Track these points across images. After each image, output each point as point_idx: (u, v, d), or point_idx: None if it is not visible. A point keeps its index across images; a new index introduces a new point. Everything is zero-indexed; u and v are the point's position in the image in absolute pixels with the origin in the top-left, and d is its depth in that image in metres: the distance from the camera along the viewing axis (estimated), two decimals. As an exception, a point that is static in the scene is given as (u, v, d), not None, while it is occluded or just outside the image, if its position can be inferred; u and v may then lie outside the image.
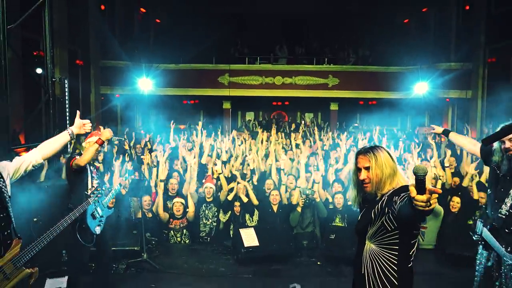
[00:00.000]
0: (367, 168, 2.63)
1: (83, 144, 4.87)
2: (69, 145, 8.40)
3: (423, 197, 1.99)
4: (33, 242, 3.13)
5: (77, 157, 4.64)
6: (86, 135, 4.73)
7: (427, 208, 2.02)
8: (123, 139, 7.25)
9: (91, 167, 4.86)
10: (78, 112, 3.80)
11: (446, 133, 4.52)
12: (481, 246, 4.01)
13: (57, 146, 3.48)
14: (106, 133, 4.62)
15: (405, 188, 2.49)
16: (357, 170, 2.71)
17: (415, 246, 2.58)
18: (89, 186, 4.72)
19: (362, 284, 2.66)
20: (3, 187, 2.99)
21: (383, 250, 2.56)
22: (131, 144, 10.55)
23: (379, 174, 2.59)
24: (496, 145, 3.78)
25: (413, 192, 2.02)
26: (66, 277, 5.50)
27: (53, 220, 5.37)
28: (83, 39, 14.87)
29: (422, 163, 7.79)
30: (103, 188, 5.03)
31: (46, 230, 3.35)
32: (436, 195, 2.01)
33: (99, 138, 4.56)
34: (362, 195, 2.79)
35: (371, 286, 2.60)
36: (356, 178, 2.72)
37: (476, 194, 6.67)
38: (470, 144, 4.23)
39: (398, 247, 2.52)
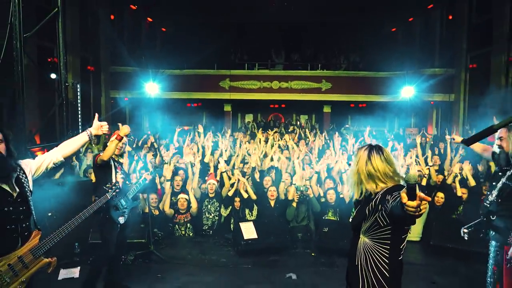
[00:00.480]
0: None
1: (108, 143, 4.89)
2: (81, 145, 8.40)
3: (414, 203, 1.98)
4: (51, 234, 3.11)
5: (101, 153, 4.69)
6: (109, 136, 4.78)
7: (417, 213, 2.01)
8: (131, 139, 7.24)
9: (116, 163, 4.88)
10: (96, 115, 3.79)
11: (465, 141, 4.56)
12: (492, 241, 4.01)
13: (76, 146, 3.48)
14: (124, 129, 4.60)
15: (397, 188, 2.47)
16: None
17: (405, 241, 2.57)
18: (113, 181, 4.74)
19: (355, 275, 2.65)
20: (25, 182, 3.01)
21: (376, 244, 2.55)
22: (140, 144, 10.53)
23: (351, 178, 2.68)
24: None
25: (404, 198, 2.01)
26: (79, 268, 5.51)
27: (67, 214, 5.37)
28: (94, 47, 14.87)
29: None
30: (127, 182, 5.06)
31: (62, 223, 3.34)
32: (426, 202, 2.00)
33: (118, 134, 4.58)
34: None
35: (364, 277, 2.59)
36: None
37: (459, 191, 6.69)
38: (483, 149, 4.29)
39: (390, 242, 2.51)
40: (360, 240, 2.65)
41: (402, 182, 2.58)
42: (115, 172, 4.82)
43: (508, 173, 3.78)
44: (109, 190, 4.32)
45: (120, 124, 4.74)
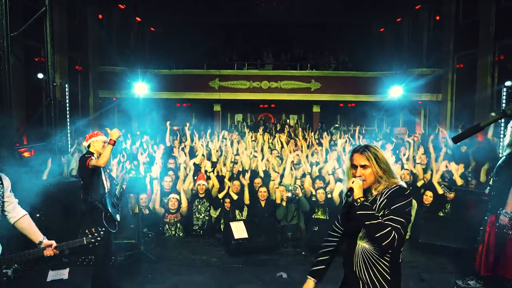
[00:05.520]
0: (364, 166, 2.57)
1: (84, 143, 4.83)
2: (69, 146, 8.33)
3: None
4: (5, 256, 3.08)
5: (93, 157, 4.61)
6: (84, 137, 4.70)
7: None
8: (120, 139, 7.19)
9: None
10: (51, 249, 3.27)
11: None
12: None
13: (26, 234, 3.27)
14: (115, 133, 4.59)
15: (402, 191, 2.52)
16: (352, 167, 2.65)
17: (404, 242, 2.55)
18: (104, 181, 4.74)
19: (355, 282, 2.60)
20: None
21: (376, 249, 2.51)
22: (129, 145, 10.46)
23: (379, 171, 2.56)
24: None
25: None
26: (67, 269, 5.46)
27: (55, 215, 5.32)
28: (82, 46, 14.74)
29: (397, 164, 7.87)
30: (114, 182, 5.06)
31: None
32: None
33: (111, 139, 4.55)
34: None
35: (365, 283, 2.55)
36: (351, 175, 2.65)
37: (440, 190, 6.78)
38: None
39: None
40: (358, 246, 2.60)
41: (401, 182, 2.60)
42: (104, 174, 4.79)
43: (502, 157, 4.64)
44: (89, 235, 3.51)
45: (108, 129, 4.72)
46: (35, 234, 3.22)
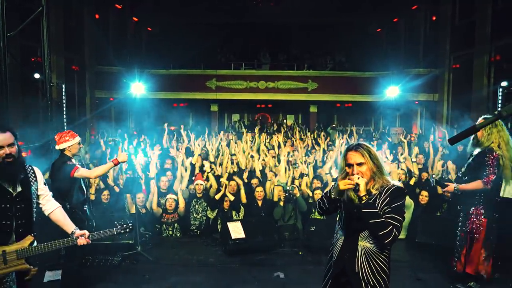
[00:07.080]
0: (360, 164, 2.61)
1: (56, 147, 4.71)
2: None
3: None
4: (43, 244, 3.14)
5: (79, 167, 4.59)
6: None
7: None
8: (117, 139, 7.17)
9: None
10: (84, 238, 3.34)
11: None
12: None
13: (59, 225, 3.38)
14: (124, 156, 4.72)
15: (401, 191, 2.62)
16: (347, 166, 2.68)
17: None
18: (83, 186, 4.72)
19: (357, 282, 2.64)
20: (33, 185, 3.13)
21: (377, 247, 2.60)
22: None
23: (373, 167, 2.61)
24: None
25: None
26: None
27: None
28: (79, 46, 14.71)
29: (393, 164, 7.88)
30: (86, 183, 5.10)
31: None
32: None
33: (116, 159, 4.63)
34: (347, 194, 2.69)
35: (367, 281, 2.61)
36: (346, 174, 2.68)
37: (439, 189, 6.79)
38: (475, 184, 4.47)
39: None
40: (359, 246, 2.65)
41: (392, 180, 2.68)
42: (82, 181, 4.79)
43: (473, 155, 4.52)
44: (119, 226, 3.55)
45: (120, 151, 4.75)
46: (68, 225, 3.36)
